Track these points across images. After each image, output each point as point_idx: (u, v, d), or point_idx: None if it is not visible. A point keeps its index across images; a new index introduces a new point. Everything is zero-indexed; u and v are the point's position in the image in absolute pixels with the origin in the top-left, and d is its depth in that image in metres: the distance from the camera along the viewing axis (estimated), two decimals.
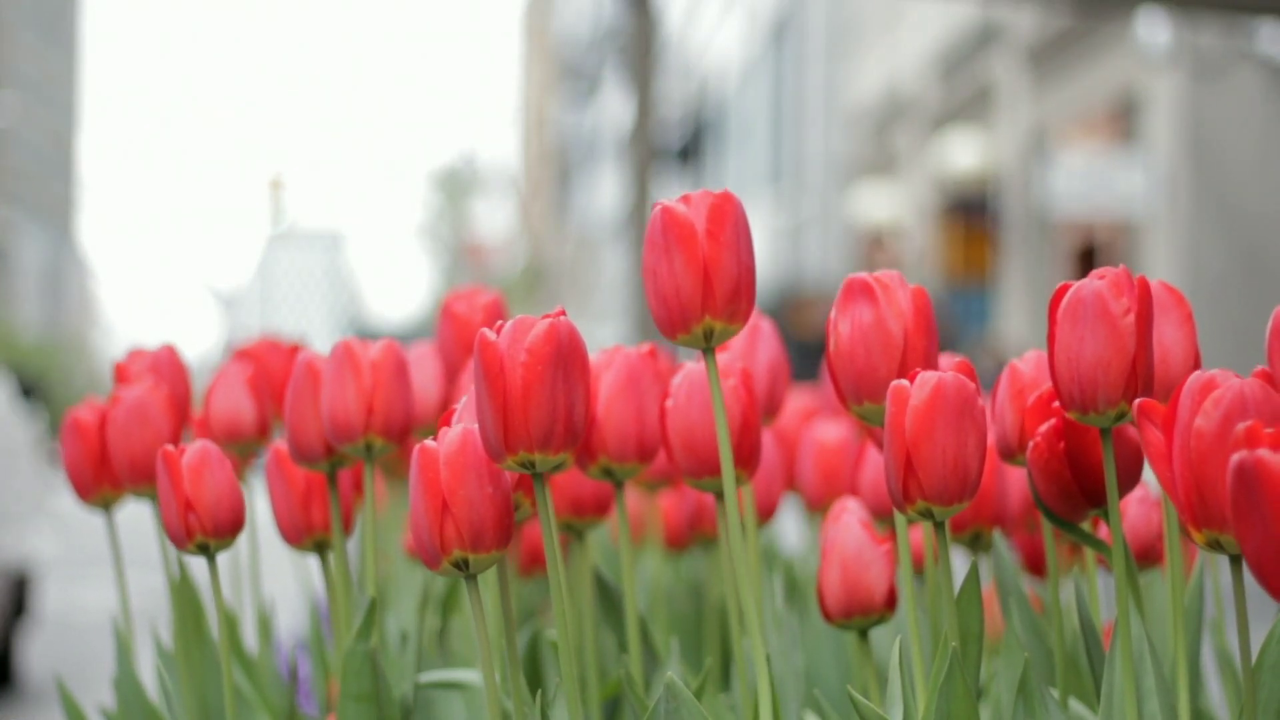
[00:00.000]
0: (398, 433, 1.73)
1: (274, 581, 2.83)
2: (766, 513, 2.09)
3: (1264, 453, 1.03)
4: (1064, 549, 2.01)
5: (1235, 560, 1.26)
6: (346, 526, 1.83)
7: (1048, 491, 1.51)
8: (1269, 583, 1.05)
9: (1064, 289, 1.40)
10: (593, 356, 1.71)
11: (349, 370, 1.71)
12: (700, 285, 1.42)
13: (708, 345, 1.45)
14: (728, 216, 1.43)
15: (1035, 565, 2.04)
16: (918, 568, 1.94)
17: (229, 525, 1.65)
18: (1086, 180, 13.07)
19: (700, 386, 1.64)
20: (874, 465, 1.98)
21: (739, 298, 1.43)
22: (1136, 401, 1.28)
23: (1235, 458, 1.04)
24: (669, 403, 1.66)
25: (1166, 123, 13.09)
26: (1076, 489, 1.50)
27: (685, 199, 1.44)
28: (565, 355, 1.36)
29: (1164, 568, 1.89)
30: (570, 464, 1.75)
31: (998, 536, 1.92)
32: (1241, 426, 1.09)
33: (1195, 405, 1.22)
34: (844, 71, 23.32)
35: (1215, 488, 1.20)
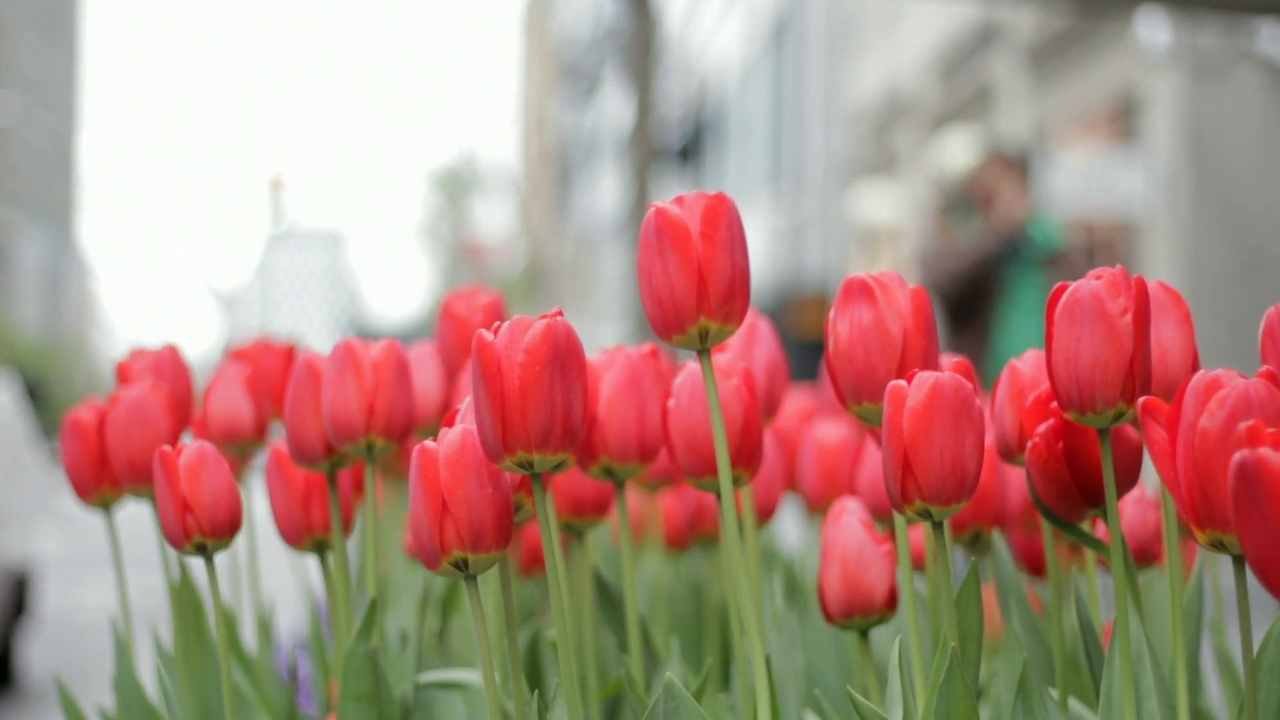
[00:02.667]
0: (399, 433, 1.73)
1: (274, 581, 2.83)
2: (766, 513, 2.09)
3: (1265, 452, 1.03)
4: (1063, 549, 2.01)
5: (1238, 560, 1.26)
6: (346, 526, 1.83)
7: (1046, 492, 1.51)
8: (1270, 582, 1.05)
9: (1061, 289, 1.40)
10: (593, 356, 1.71)
11: (350, 370, 1.71)
12: (695, 286, 1.42)
13: (703, 346, 1.45)
14: (721, 218, 1.43)
15: (1035, 565, 2.04)
16: (918, 568, 1.94)
17: (226, 526, 1.65)
18: (1086, 180, 13.06)
19: (702, 386, 1.64)
20: (874, 465, 1.98)
21: (734, 298, 1.43)
22: (1140, 400, 1.28)
23: (1237, 457, 1.04)
24: (671, 402, 1.66)
25: (1166, 123, 13.09)
26: (1075, 489, 1.50)
27: (679, 200, 1.44)
28: (562, 355, 1.36)
29: (1163, 567, 1.89)
30: (571, 464, 1.75)
31: (997, 536, 1.92)
32: (1243, 426, 1.09)
33: (1200, 405, 1.22)
34: (844, 71, 23.31)
35: (1219, 487, 1.20)
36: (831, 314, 1.50)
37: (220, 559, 1.69)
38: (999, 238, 6.16)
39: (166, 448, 1.64)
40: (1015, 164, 6.34)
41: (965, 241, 6.27)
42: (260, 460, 2.08)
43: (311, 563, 4.77)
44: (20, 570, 6.67)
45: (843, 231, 22.75)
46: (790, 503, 2.49)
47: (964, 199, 6.78)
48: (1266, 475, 1.03)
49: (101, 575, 9.60)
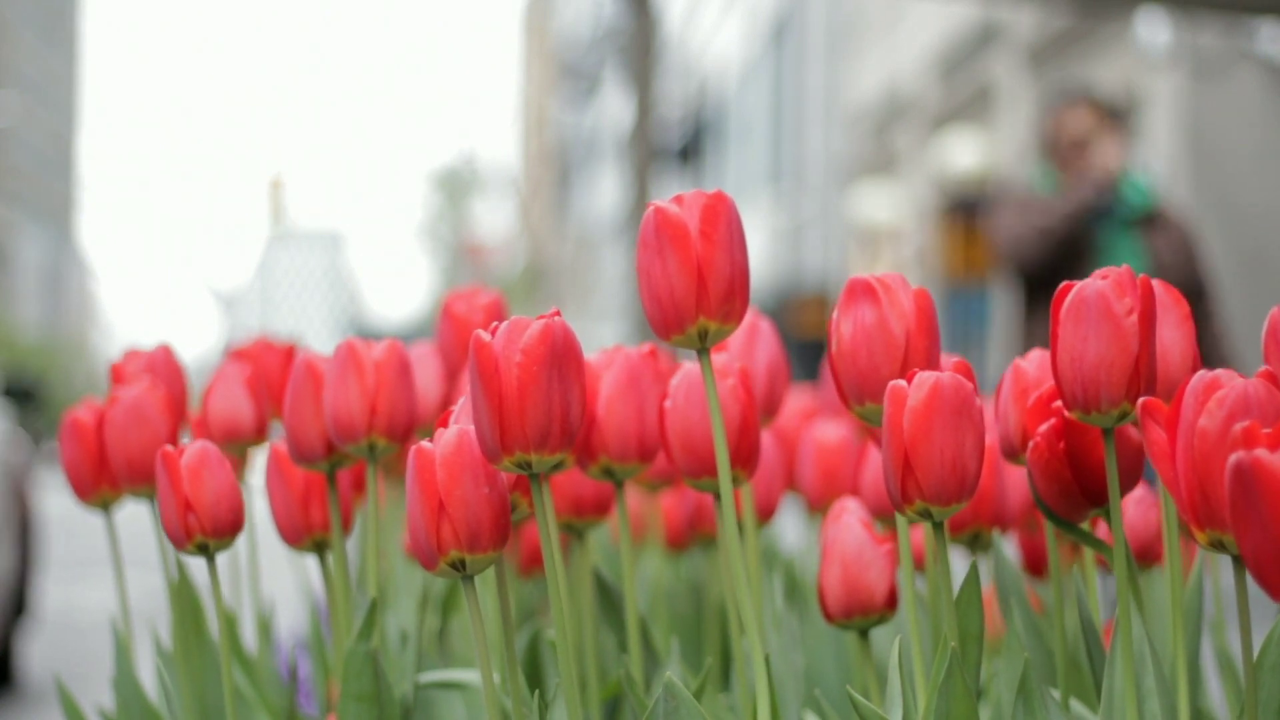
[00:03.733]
0: (401, 433, 1.73)
1: (274, 581, 2.83)
2: (766, 513, 2.09)
3: (1262, 453, 1.03)
4: (1064, 549, 2.01)
5: (1237, 560, 1.26)
6: (346, 527, 1.83)
7: (1048, 491, 1.51)
8: (1267, 583, 1.05)
9: (1067, 288, 1.39)
10: (593, 356, 1.71)
11: (352, 370, 1.71)
12: (694, 286, 1.42)
13: (702, 346, 1.45)
14: (721, 216, 1.43)
15: (1035, 565, 2.04)
16: (918, 568, 1.94)
17: (228, 526, 1.65)
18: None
19: (699, 386, 1.64)
20: (874, 465, 1.98)
21: (733, 298, 1.43)
22: (1140, 401, 1.28)
23: (1233, 458, 1.04)
24: (668, 403, 1.66)
25: (1166, 122, 13.09)
26: (1077, 489, 1.50)
27: (678, 199, 1.44)
28: (560, 355, 1.36)
29: (1164, 567, 1.89)
30: (569, 464, 1.75)
31: (998, 536, 1.92)
32: (1239, 426, 1.09)
33: (1199, 405, 1.22)
34: (844, 71, 23.31)
35: (1219, 487, 1.20)
36: (834, 314, 1.50)
37: (220, 559, 1.68)
38: (1097, 188, 5.17)
39: (169, 447, 1.64)
40: (1110, 111, 5.37)
41: (1048, 196, 5.23)
42: (260, 460, 2.08)
43: (311, 563, 4.77)
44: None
45: (843, 231, 22.74)
46: (790, 503, 2.49)
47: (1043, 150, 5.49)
48: (1263, 476, 1.03)
49: (101, 575, 9.60)
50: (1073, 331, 1.38)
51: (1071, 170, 5.28)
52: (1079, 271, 4.95)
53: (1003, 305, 16.41)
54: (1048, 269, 5.17)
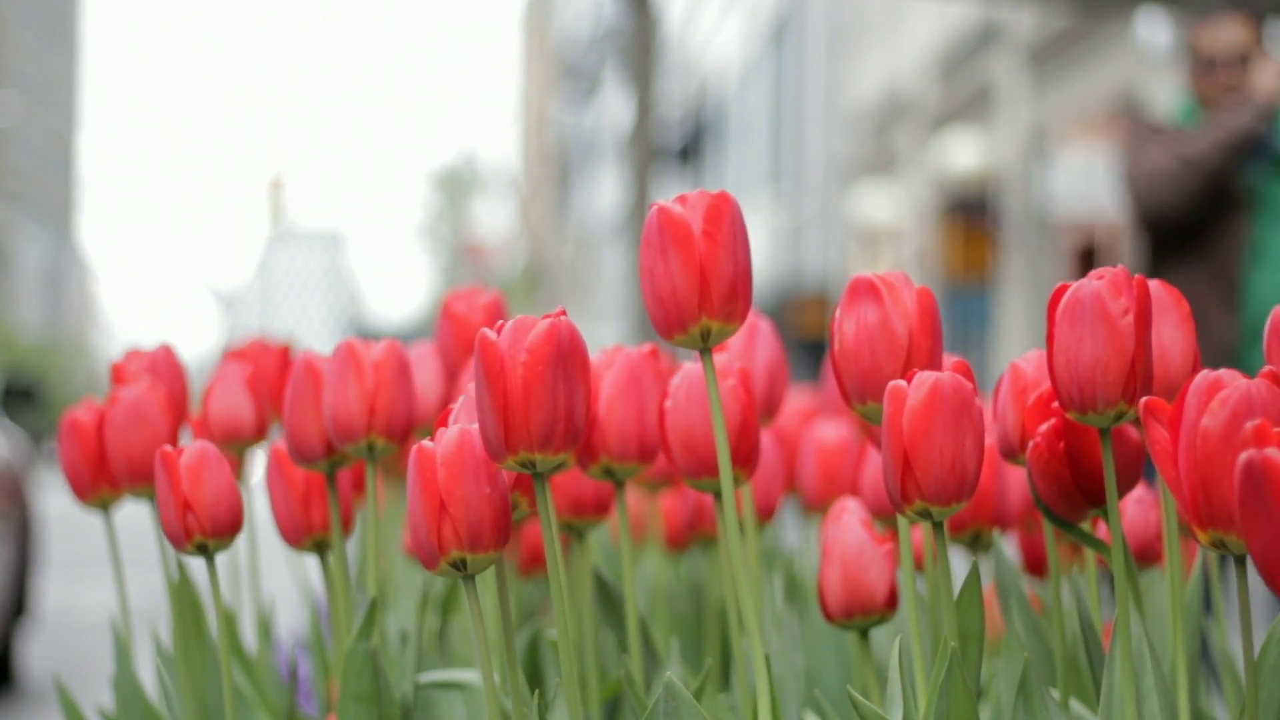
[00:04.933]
0: (400, 433, 1.73)
1: (274, 581, 2.83)
2: (766, 513, 2.09)
3: (1273, 451, 1.03)
4: (1064, 549, 2.00)
5: (1239, 560, 1.26)
6: (346, 527, 1.83)
7: (1048, 491, 1.51)
8: (1275, 581, 1.04)
9: (1063, 289, 1.39)
10: (593, 357, 1.71)
11: (352, 370, 1.71)
12: (697, 286, 1.42)
13: (705, 346, 1.45)
14: (724, 216, 1.43)
15: (1035, 565, 2.04)
16: (918, 568, 1.94)
17: (227, 526, 1.65)
18: (1086, 180, 13.04)
19: (699, 387, 1.64)
20: (874, 465, 1.98)
21: (736, 298, 1.43)
22: (1143, 401, 1.28)
23: (1243, 456, 1.04)
24: (668, 403, 1.66)
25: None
26: (1076, 489, 1.50)
27: (682, 199, 1.44)
28: (566, 355, 1.36)
29: (1164, 567, 1.89)
30: (571, 464, 1.75)
31: (998, 536, 1.92)
32: (1250, 425, 1.09)
33: (1201, 405, 1.22)
34: (844, 71, 23.31)
35: (1221, 487, 1.20)
36: (837, 313, 1.50)
37: (220, 559, 1.68)
38: (1256, 112, 4.15)
39: (168, 448, 1.64)
40: (1262, 31, 4.39)
41: (1190, 129, 4.27)
42: (260, 460, 2.08)
43: (311, 563, 4.78)
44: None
45: (843, 231, 22.74)
46: (790, 503, 2.49)
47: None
48: (1273, 475, 1.03)
49: (101, 575, 9.60)
50: (1068, 332, 1.38)
51: (1218, 98, 4.30)
52: (1225, 223, 4.20)
53: (1002, 305, 16.41)
54: (1189, 214, 4.18)
